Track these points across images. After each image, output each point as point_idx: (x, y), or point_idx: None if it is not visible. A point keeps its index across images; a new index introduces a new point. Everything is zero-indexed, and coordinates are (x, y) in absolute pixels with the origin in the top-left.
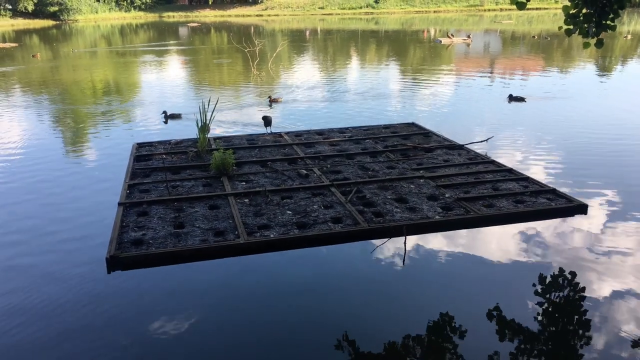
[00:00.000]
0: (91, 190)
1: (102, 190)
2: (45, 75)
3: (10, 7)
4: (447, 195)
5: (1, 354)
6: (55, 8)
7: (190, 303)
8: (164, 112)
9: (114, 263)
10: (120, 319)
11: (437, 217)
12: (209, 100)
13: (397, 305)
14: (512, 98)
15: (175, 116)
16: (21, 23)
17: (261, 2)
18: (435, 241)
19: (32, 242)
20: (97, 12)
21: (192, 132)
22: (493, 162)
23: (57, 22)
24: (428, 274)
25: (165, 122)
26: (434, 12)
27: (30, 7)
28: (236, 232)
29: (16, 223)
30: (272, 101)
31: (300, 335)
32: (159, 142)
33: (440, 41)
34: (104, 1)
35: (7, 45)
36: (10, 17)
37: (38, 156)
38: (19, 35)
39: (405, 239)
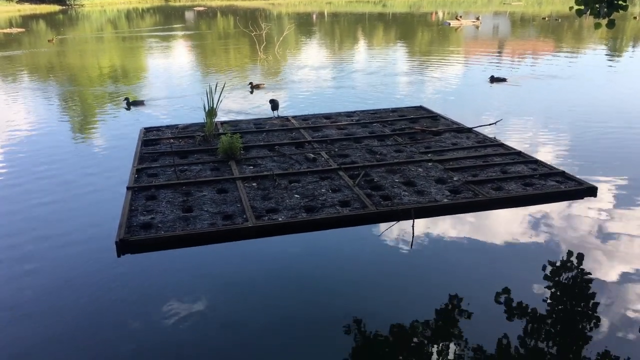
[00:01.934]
0: (99, 175)
1: (110, 175)
2: (52, 60)
3: None
4: (455, 179)
5: (13, 334)
6: None
7: (198, 286)
8: (126, 98)
9: (124, 246)
10: (130, 301)
11: (445, 200)
12: (216, 85)
13: (404, 289)
14: (493, 79)
15: (138, 103)
16: (28, 8)
17: None
18: (444, 224)
19: (41, 226)
20: None
21: (199, 117)
22: (502, 145)
23: (64, 7)
24: (436, 257)
25: (128, 109)
26: None
27: None
28: (244, 216)
29: (24, 208)
30: (253, 87)
31: (308, 318)
32: (167, 127)
33: (449, 23)
34: None
35: (15, 30)
36: (17, 2)
37: (46, 141)
38: (26, 21)
39: (414, 222)
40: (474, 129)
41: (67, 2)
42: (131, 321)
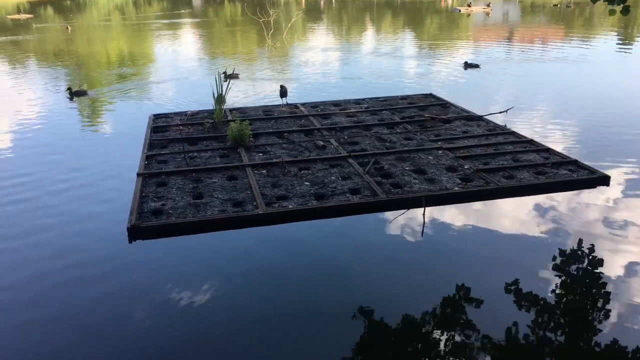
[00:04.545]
0: (109, 161)
1: (120, 161)
2: (61, 46)
3: None
4: (466, 167)
5: (24, 321)
6: None
7: (209, 272)
8: (69, 88)
9: (135, 232)
10: (141, 287)
11: (456, 188)
12: (225, 71)
13: (414, 277)
14: (467, 65)
15: (81, 93)
16: None
17: None
18: (454, 213)
19: (53, 212)
20: None
21: (207, 103)
22: (513, 133)
23: None
24: (446, 246)
25: (70, 99)
26: None
27: None
28: (254, 203)
29: (36, 196)
30: (228, 77)
31: (317, 305)
32: (175, 114)
33: (459, 10)
34: None
35: (23, 16)
36: None
37: (55, 127)
38: (34, 7)
39: (424, 210)
40: (485, 116)
41: None
42: (141, 306)
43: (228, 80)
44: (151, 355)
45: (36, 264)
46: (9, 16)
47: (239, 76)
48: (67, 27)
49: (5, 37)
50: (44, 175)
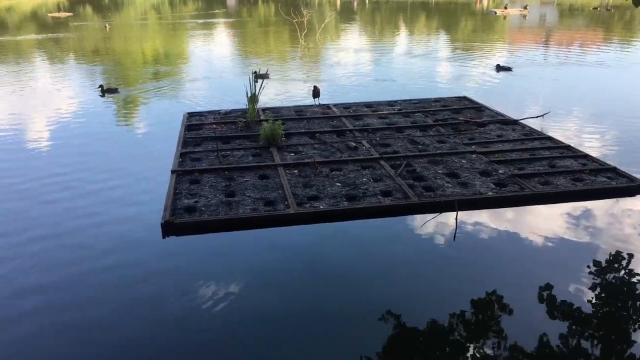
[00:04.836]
0: (144, 157)
1: (154, 158)
2: (98, 44)
3: None
4: (500, 172)
5: (60, 312)
6: None
7: (238, 269)
8: (101, 85)
9: (169, 228)
10: (172, 282)
11: (490, 193)
12: (259, 71)
13: (444, 281)
14: (499, 68)
15: (112, 90)
16: None
17: None
18: (487, 218)
19: (89, 206)
20: None
21: (240, 102)
22: (550, 138)
23: None
24: (478, 251)
25: (102, 96)
26: None
27: None
28: (286, 202)
29: (73, 190)
30: (258, 77)
31: (345, 307)
32: (209, 112)
33: (495, 12)
34: None
35: (63, 14)
36: None
37: (91, 123)
38: (73, 5)
39: (457, 214)
40: (520, 120)
41: None
42: (171, 301)
43: (261, 80)
44: (182, 351)
45: (71, 257)
46: (49, 14)
47: (270, 76)
48: (105, 26)
49: (45, 35)
50: (81, 174)
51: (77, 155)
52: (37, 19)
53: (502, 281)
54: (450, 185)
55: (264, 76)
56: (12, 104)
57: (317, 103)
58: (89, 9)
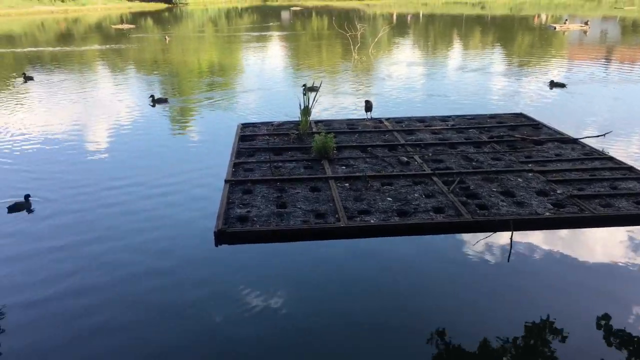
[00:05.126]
0: (199, 166)
1: (209, 167)
2: (157, 55)
3: None
4: (558, 192)
5: (111, 313)
6: None
7: (287, 279)
8: (152, 95)
9: (221, 237)
10: (222, 289)
11: (547, 213)
12: (312, 84)
13: (496, 302)
14: (553, 84)
15: (162, 100)
16: (137, 5)
17: None
18: (544, 239)
19: (146, 212)
20: None
21: (292, 114)
22: (611, 158)
23: (170, 5)
24: (533, 273)
25: (153, 106)
26: None
27: None
28: (336, 215)
29: (130, 195)
30: (308, 89)
31: (391, 322)
32: (262, 123)
33: (554, 27)
34: None
35: (125, 26)
36: (128, 0)
37: (148, 132)
38: (135, 17)
39: (512, 234)
40: (580, 139)
41: (173, 1)
42: (218, 307)
43: (315, 93)
44: (222, 357)
45: (129, 262)
46: (113, 26)
47: (320, 89)
48: (166, 38)
49: (108, 46)
50: (140, 179)
51: (135, 162)
52: (101, 30)
53: (557, 304)
54: (505, 204)
55: (314, 89)
56: (74, 112)
57: (369, 117)
58: (150, 22)
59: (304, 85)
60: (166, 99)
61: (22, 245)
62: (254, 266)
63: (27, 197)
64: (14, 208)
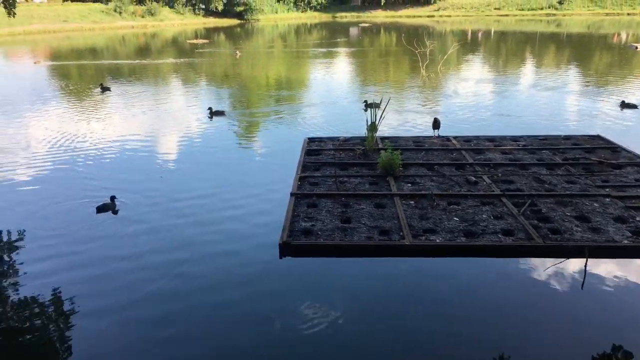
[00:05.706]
0: (265, 179)
1: (275, 180)
2: (228, 70)
3: (203, 6)
4: (638, 219)
5: (182, 323)
6: (242, 8)
7: (348, 295)
8: (209, 108)
9: (286, 249)
10: (284, 301)
11: (625, 241)
12: (381, 100)
13: (565, 331)
14: (624, 105)
15: (220, 113)
16: (211, 21)
17: (433, 2)
18: (621, 268)
19: (214, 223)
20: (276, 12)
21: (357, 130)
22: None
23: (242, 21)
24: (608, 302)
25: (210, 119)
26: (628, 14)
27: (220, 7)
28: (401, 233)
29: (199, 207)
30: (368, 106)
31: (451, 347)
32: (328, 138)
33: (636, 47)
34: (284, 2)
35: (200, 41)
36: (203, 15)
37: (216, 144)
38: (209, 33)
39: (587, 261)
40: None
41: (245, 17)
42: (282, 319)
43: (382, 110)
44: None
45: (195, 272)
46: (188, 41)
47: (381, 105)
48: (237, 52)
49: (182, 59)
50: (208, 190)
51: (203, 174)
52: (176, 45)
53: (633, 337)
54: (579, 229)
55: (374, 105)
56: (146, 122)
57: (436, 134)
58: (222, 37)
59: (365, 101)
60: (223, 111)
61: (101, 251)
62: (316, 280)
63: (112, 198)
64: (102, 209)
